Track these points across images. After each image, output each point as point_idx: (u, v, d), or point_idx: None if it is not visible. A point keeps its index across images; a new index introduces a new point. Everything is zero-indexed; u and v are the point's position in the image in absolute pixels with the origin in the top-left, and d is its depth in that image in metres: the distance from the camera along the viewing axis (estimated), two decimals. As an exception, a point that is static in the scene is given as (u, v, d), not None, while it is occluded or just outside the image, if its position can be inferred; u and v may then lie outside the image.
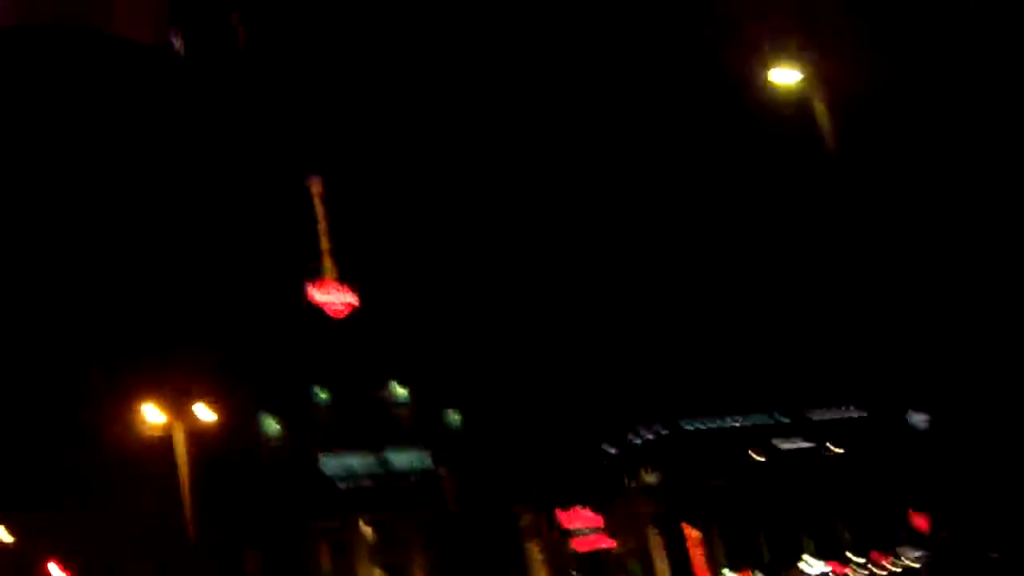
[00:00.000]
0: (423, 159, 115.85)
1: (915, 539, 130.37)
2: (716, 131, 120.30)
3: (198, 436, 56.93)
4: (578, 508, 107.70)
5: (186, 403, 48.73)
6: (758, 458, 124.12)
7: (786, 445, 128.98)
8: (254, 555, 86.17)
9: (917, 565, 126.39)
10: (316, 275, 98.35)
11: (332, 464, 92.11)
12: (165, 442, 54.98)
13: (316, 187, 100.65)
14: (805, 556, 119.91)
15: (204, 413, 51.49)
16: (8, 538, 77.84)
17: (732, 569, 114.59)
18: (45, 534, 75.91)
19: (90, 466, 79.39)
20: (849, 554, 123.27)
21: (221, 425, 66.20)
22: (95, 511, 76.11)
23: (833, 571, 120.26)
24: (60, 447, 79.42)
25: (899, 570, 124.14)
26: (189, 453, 49.95)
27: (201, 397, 56.99)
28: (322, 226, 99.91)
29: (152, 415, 48.73)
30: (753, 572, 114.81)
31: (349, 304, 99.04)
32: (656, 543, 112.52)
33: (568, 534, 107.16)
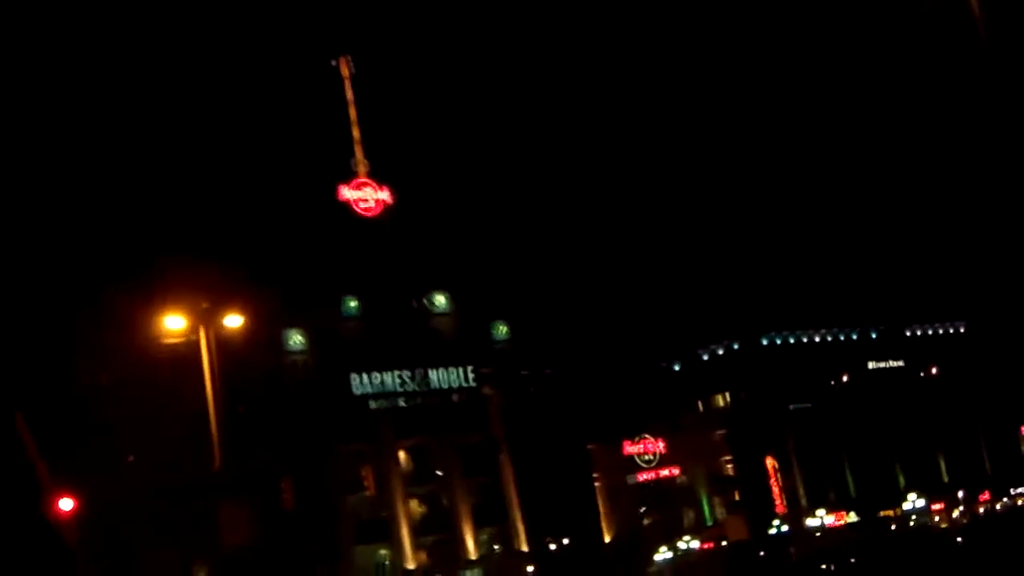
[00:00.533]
0: (470, 34, 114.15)
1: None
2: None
3: (222, 349, 55.90)
4: (641, 434, 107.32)
5: (209, 312, 47.86)
6: (846, 379, 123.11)
7: (878, 364, 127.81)
8: (289, 484, 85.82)
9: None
10: (347, 170, 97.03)
11: (363, 382, 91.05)
12: (188, 357, 54.33)
13: (345, 67, 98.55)
14: (910, 495, 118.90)
15: (230, 322, 50.67)
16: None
17: (815, 503, 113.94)
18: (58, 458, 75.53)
19: (109, 380, 79.20)
20: (955, 491, 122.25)
21: (244, 339, 65.55)
22: (114, 432, 75.93)
23: (933, 508, 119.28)
24: (77, 358, 79.07)
25: (1010, 510, 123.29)
26: (213, 367, 49.16)
27: (223, 306, 55.84)
28: (352, 113, 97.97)
29: (174, 323, 47.94)
30: (848, 512, 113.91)
31: (383, 202, 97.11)
32: (729, 472, 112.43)
33: (630, 462, 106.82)
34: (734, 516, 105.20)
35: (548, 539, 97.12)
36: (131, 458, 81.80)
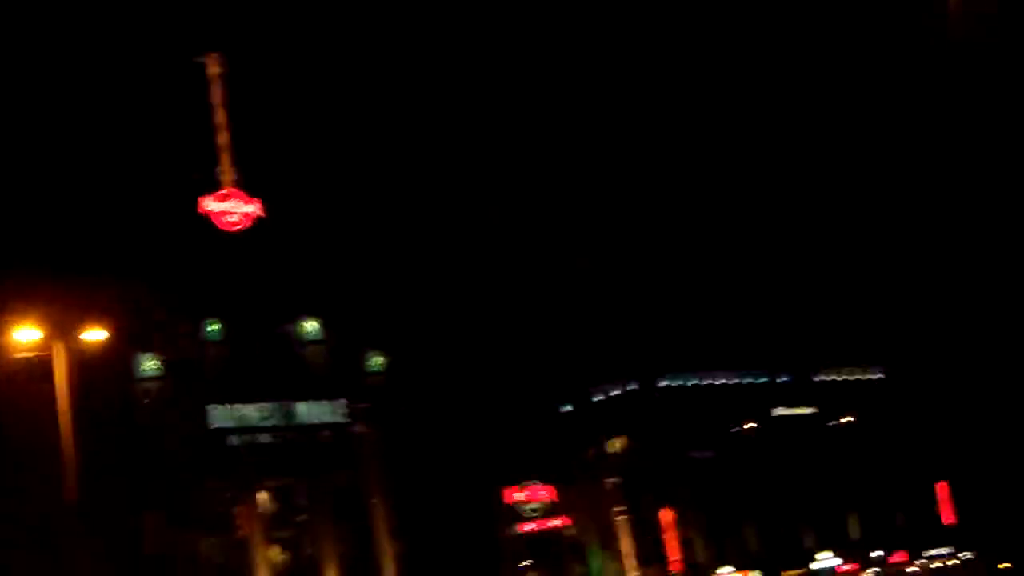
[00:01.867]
0: (348, 34, 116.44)
1: (942, 534, 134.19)
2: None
3: (73, 371, 58.44)
4: (528, 482, 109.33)
5: (63, 326, 50.28)
6: (751, 426, 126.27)
7: (786, 411, 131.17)
8: (151, 522, 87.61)
9: (944, 564, 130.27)
10: (212, 181, 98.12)
11: (223, 414, 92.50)
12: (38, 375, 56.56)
13: (213, 66, 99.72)
14: (819, 555, 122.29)
15: (89, 336, 53.11)
16: None
17: (714, 560, 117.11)
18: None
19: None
20: (867, 550, 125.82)
21: (95, 361, 67.59)
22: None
23: (842, 570, 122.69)
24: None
25: (920, 573, 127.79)
26: (70, 384, 51.60)
27: (77, 322, 58.52)
28: (220, 118, 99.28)
29: (26, 335, 50.21)
30: (750, 571, 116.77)
31: (250, 215, 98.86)
32: (621, 525, 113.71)
33: (515, 512, 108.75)
34: (647, 569, 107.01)
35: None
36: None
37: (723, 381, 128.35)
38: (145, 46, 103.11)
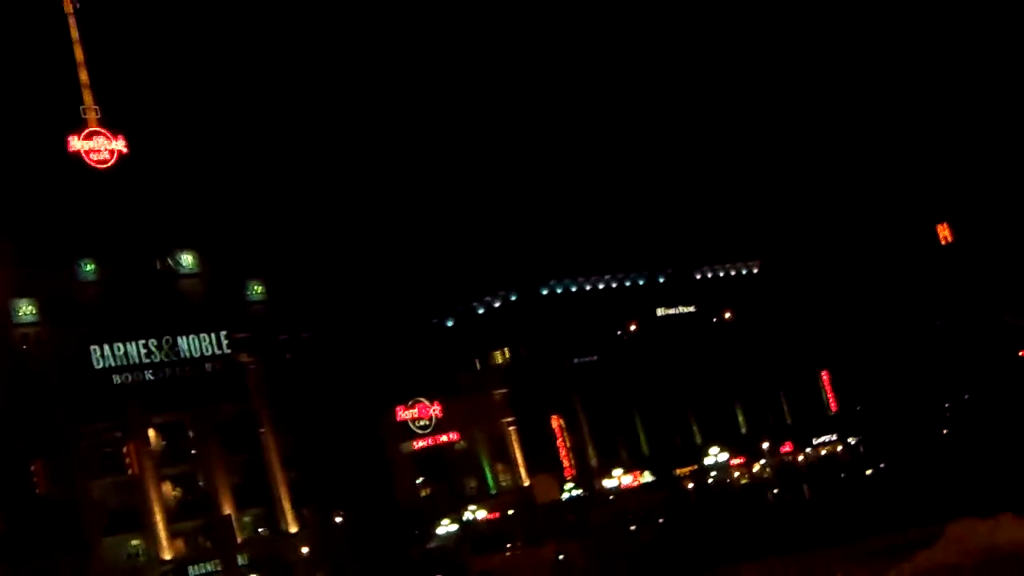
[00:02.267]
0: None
1: (828, 423, 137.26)
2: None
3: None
4: (416, 399, 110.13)
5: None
6: (634, 328, 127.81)
7: (668, 310, 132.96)
8: (40, 467, 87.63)
9: (831, 452, 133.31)
10: (76, 119, 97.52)
11: (104, 354, 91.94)
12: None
13: (68, 3, 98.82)
14: (710, 450, 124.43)
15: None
16: None
17: (606, 463, 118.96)
18: None
19: None
20: (756, 443, 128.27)
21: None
22: None
23: (733, 463, 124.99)
24: None
25: (808, 461, 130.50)
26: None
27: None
28: (79, 54, 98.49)
29: None
30: (642, 469, 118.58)
31: (117, 152, 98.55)
32: (511, 435, 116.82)
33: (404, 429, 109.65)
34: (544, 476, 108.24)
35: (315, 515, 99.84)
36: None
37: (604, 285, 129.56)
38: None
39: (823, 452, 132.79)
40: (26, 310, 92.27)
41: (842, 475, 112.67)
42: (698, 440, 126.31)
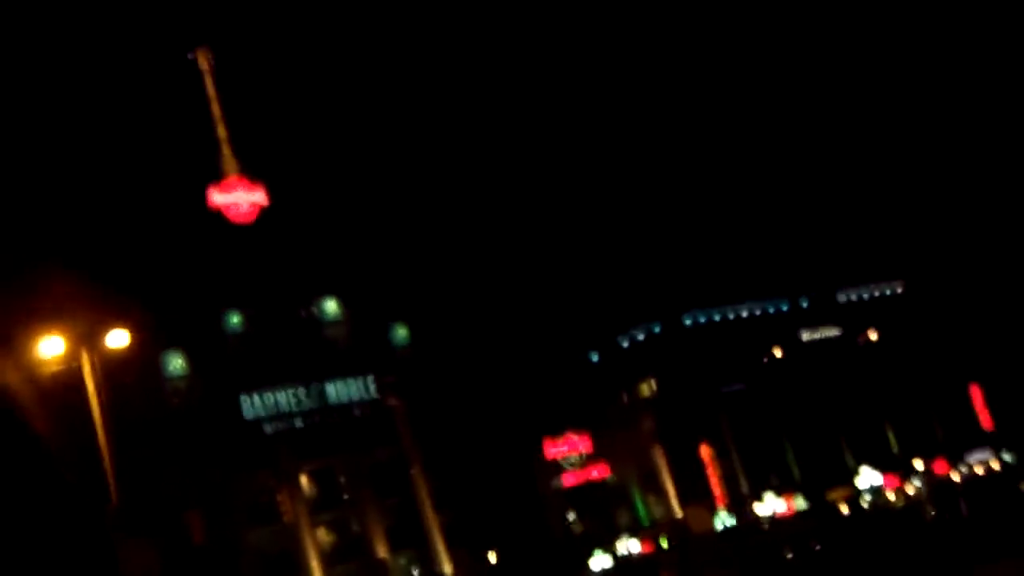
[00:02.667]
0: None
1: (981, 438, 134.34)
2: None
3: (103, 377, 58.44)
4: (564, 434, 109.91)
5: (89, 333, 50.40)
6: (779, 353, 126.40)
7: (812, 334, 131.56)
8: (196, 518, 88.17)
9: (986, 470, 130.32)
10: (215, 172, 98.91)
11: (255, 404, 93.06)
12: (65, 386, 56.84)
13: (204, 61, 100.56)
14: (862, 469, 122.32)
15: (113, 341, 53.25)
16: None
17: (757, 489, 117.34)
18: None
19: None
20: (908, 462, 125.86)
21: (122, 366, 67.85)
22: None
23: (887, 484, 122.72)
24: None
25: (965, 478, 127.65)
26: (99, 395, 51.67)
27: (99, 327, 58.52)
28: (216, 110, 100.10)
29: (51, 347, 50.28)
30: (794, 494, 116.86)
31: (257, 204, 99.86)
32: (662, 466, 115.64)
33: (555, 466, 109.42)
34: (696, 506, 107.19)
35: (469, 555, 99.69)
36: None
37: (746, 312, 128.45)
38: (136, 48, 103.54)
39: (978, 469, 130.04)
40: (176, 363, 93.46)
41: (999, 491, 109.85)
42: (850, 462, 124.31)
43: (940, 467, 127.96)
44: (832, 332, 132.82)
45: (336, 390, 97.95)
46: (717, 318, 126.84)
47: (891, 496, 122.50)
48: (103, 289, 79.76)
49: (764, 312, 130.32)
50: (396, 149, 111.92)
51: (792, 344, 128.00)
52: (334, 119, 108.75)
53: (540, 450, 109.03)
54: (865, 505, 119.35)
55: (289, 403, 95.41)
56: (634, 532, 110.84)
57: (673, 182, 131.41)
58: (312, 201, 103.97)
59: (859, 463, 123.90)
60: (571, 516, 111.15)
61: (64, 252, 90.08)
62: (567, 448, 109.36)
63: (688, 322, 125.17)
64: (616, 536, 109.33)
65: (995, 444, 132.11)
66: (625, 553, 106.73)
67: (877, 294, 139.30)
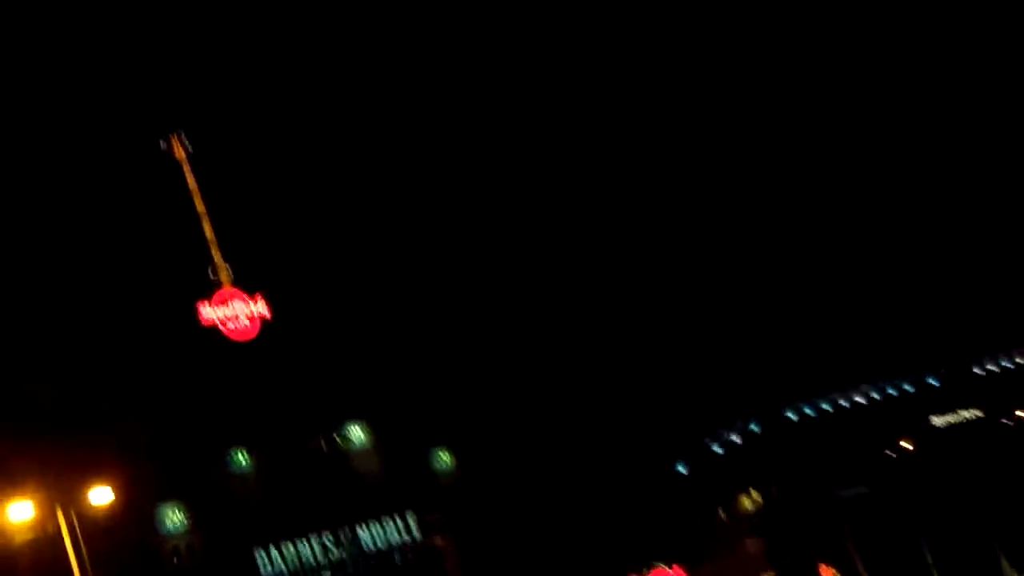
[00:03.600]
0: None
1: None
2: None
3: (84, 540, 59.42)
4: (651, 565, 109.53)
5: (66, 493, 51.23)
6: (907, 445, 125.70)
7: (946, 418, 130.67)
8: None
9: None
10: (205, 282, 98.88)
11: (272, 558, 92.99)
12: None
13: (180, 149, 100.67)
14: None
15: (96, 498, 54.08)
16: None
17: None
18: None
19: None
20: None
21: (107, 525, 68.70)
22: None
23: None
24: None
25: None
26: (81, 564, 52.50)
27: (79, 483, 59.57)
28: (199, 206, 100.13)
29: (19, 512, 51.09)
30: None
31: (258, 317, 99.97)
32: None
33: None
34: None
35: None
36: None
37: (863, 399, 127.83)
38: (102, 143, 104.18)
39: None
40: (173, 518, 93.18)
41: None
42: (1007, 570, 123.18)
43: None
44: (971, 414, 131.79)
45: (371, 534, 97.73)
46: (828, 409, 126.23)
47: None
48: (82, 440, 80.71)
49: (885, 397, 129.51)
50: (418, 238, 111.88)
51: (923, 432, 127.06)
52: (338, 211, 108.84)
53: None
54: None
55: (315, 555, 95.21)
56: None
57: (759, 245, 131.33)
58: (322, 309, 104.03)
59: (1020, 570, 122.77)
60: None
61: (34, 400, 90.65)
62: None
63: (793, 416, 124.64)
64: None
65: None
66: None
67: (1022, 361, 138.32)
